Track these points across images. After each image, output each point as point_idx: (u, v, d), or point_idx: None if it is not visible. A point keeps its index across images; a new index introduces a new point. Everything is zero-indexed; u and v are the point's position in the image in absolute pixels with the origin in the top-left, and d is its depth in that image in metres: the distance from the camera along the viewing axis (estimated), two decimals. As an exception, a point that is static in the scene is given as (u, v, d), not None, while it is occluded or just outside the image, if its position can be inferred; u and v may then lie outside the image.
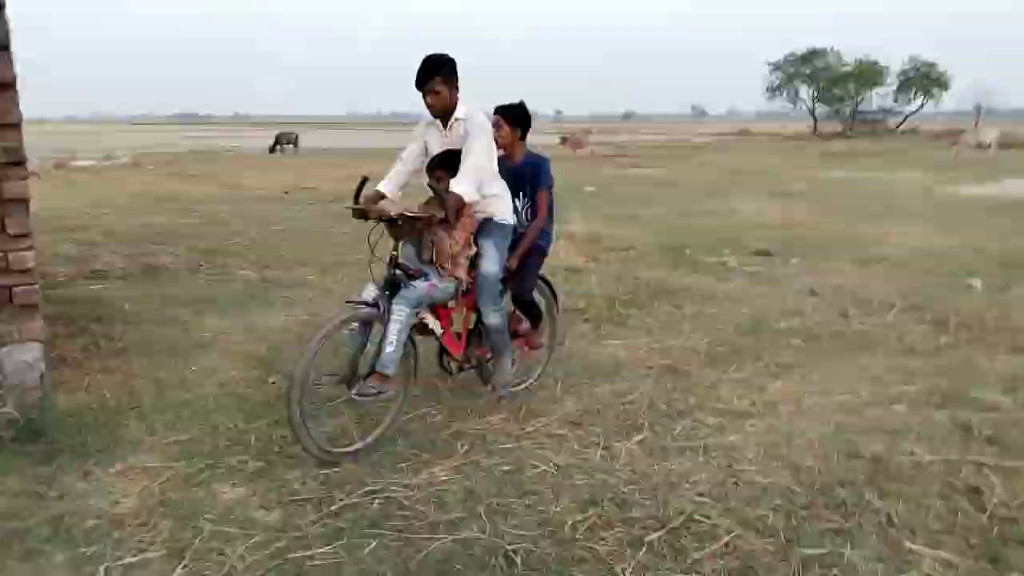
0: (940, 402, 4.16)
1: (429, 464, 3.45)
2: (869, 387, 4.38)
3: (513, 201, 4.07)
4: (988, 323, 5.62)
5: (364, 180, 3.67)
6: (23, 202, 3.91)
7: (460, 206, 3.55)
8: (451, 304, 3.90)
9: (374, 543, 2.81)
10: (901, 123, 52.12)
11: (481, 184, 3.73)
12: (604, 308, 6.13)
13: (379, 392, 3.43)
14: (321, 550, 2.77)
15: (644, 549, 2.78)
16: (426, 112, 3.83)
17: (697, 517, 2.99)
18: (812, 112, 55.40)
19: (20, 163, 3.89)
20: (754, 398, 4.22)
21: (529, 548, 2.78)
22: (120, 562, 2.68)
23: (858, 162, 24.21)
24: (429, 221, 3.52)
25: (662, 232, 10.09)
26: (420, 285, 3.56)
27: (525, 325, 4.33)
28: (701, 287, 6.92)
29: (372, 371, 3.44)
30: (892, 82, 52.70)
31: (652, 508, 3.06)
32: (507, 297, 4.12)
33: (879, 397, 4.23)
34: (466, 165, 3.60)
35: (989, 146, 27.51)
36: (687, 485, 3.25)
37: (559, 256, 8.30)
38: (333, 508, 3.06)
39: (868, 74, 51.93)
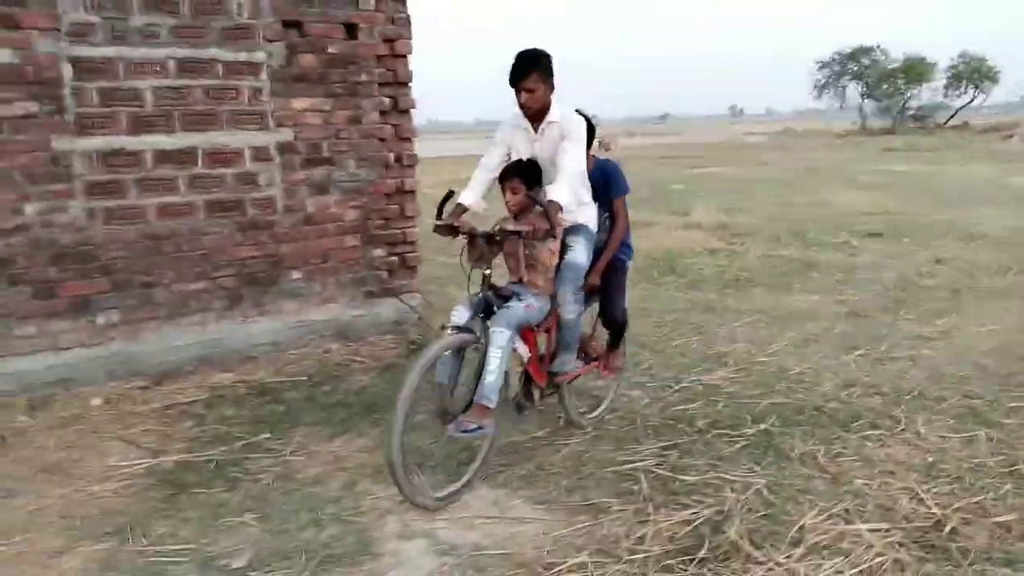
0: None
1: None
2: (1015, 320, 5.79)
3: None
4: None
5: (449, 193, 3.45)
6: (413, 193, 5.53)
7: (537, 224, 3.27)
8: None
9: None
10: (951, 118, 52.55)
11: (577, 192, 3.52)
12: (767, 277, 7.59)
13: (479, 427, 3.11)
14: None
15: (902, 407, 4.23)
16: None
17: (925, 392, 4.44)
18: (860, 109, 56.03)
19: (412, 165, 5.52)
20: (929, 329, 5.66)
21: (827, 406, 4.26)
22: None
23: (919, 156, 25.22)
24: (534, 234, 3.25)
25: (775, 220, 11.47)
26: (517, 306, 3.28)
27: (601, 344, 4.14)
28: (839, 261, 8.33)
29: (470, 404, 3.15)
30: (940, 77, 53.18)
31: (892, 387, 4.51)
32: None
33: (1024, 326, 5.67)
34: (565, 171, 3.32)
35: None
36: (908, 376, 4.70)
37: (696, 241, 9.81)
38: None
39: (916, 70, 52.45)
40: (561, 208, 3.22)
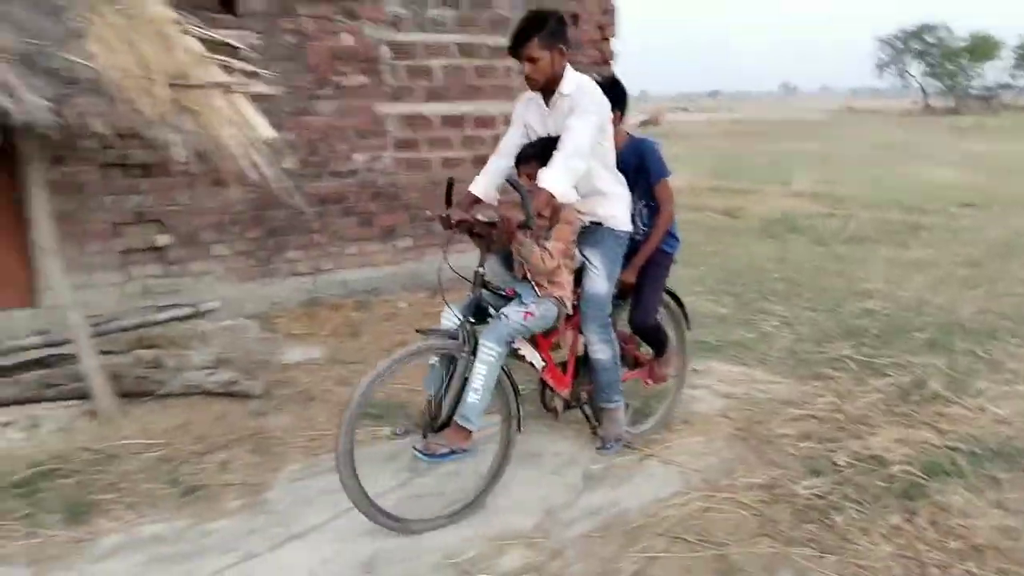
0: None
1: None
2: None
3: None
4: None
5: (451, 182, 3.06)
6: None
7: (549, 206, 2.83)
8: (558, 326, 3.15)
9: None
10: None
11: (591, 177, 3.03)
12: (883, 235, 8.72)
13: (451, 452, 2.77)
14: None
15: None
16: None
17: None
18: (922, 88, 55.64)
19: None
20: (1040, 276, 6.80)
21: (968, 324, 5.43)
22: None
23: (994, 135, 25.73)
24: (507, 228, 2.70)
25: (871, 191, 12.50)
26: (513, 314, 2.87)
27: (646, 350, 3.69)
28: (942, 224, 9.42)
29: (446, 423, 2.81)
30: (1008, 57, 52.58)
31: (1015, 314, 5.67)
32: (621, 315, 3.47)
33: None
34: (562, 151, 2.80)
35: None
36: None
37: (803, 206, 10.91)
38: None
39: (983, 49, 51.93)
40: (551, 196, 2.74)
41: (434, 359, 2.96)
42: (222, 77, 3.61)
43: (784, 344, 5.02)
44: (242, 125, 3.54)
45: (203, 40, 3.74)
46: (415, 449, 2.80)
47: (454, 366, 2.87)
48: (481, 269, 2.94)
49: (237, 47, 3.94)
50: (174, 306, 4.82)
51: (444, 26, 5.80)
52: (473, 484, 3.08)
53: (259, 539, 2.88)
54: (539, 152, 2.96)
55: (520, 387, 3.07)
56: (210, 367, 4.19)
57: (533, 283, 3.01)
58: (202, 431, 3.75)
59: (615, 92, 3.23)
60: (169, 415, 3.91)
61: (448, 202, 3.06)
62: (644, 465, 3.43)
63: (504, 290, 3.04)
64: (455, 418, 2.79)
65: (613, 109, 3.12)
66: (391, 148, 5.72)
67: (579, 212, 3.11)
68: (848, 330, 5.28)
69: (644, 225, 3.43)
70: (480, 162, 6.14)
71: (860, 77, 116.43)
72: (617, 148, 3.22)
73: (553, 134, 2.99)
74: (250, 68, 3.83)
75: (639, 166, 3.34)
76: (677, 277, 6.71)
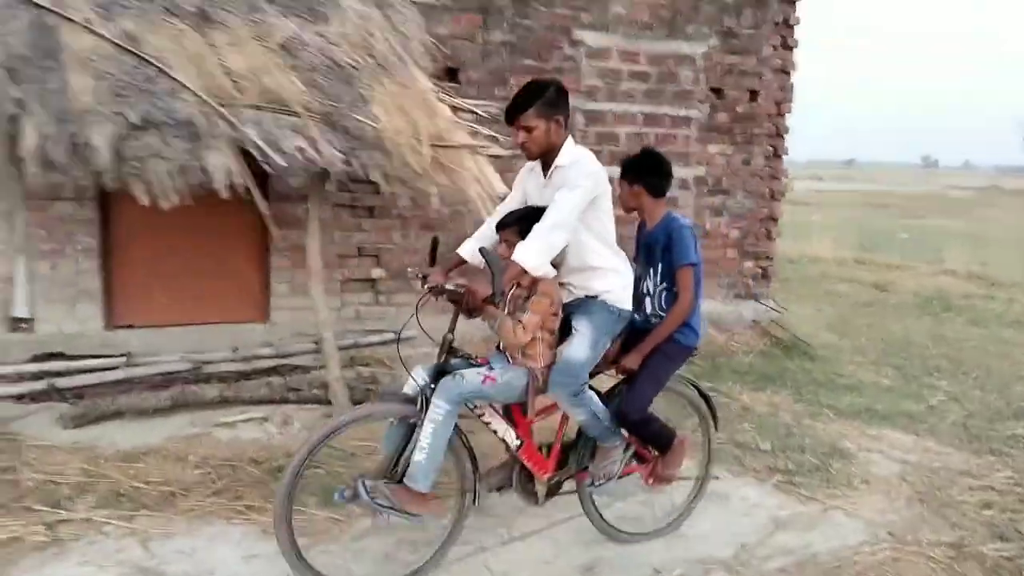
0: None
1: None
2: None
3: (646, 281, 3.21)
4: None
5: (435, 241, 3.02)
6: (776, 220, 7.08)
7: (522, 280, 2.81)
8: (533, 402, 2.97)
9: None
10: None
11: (582, 251, 2.96)
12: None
13: (396, 509, 2.70)
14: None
15: None
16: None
17: None
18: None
19: (779, 199, 7.07)
20: None
21: None
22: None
23: None
24: (472, 300, 2.68)
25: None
26: (470, 375, 2.78)
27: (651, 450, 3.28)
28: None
29: (398, 481, 2.75)
30: None
31: None
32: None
33: None
34: (542, 224, 2.77)
35: None
36: None
37: (956, 285, 10.68)
38: None
39: None
40: (524, 271, 2.72)
41: (393, 420, 2.90)
42: (469, 140, 4.22)
43: (954, 418, 5.12)
44: (484, 182, 4.12)
45: (452, 107, 4.39)
46: (364, 487, 2.70)
47: (412, 431, 2.79)
48: (450, 335, 2.88)
49: (480, 113, 4.56)
50: (381, 331, 5.49)
51: (634, 98, 6.32)
52: (413, 558, 3.07)
53: (488, 536, 3.33)
54: (519, 220, 2.93)
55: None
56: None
57: (508, 354, 2.97)
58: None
59: (647, 165, 3.21)
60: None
61: (432, 261, 3.06)
62: (829, 515, 3.69)
63: (476, 358, 2.96)
64: (404, 479, 2.74)
65: (641, 183, 3.17)
66: (577, 205, 6.24)
67: (572, 286, 3.05)
68: (1019, 411, 5.32)
69: (661, 310, 3.18)
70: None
71: (1006, 154, 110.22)
72: (650, 223, 3.21)
73: (548, 204, 2.89)
74: (488, 132, 4.43)
75: (666, 246, 3.13)
76: (828, 343, 7.02)
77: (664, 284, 3.16)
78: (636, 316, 3.18)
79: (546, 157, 2.97)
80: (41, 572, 2.96)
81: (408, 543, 3.23)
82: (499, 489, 3.17)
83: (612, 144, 6.31)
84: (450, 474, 3.01)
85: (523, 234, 2.82)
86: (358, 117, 3.89)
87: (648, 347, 3.09)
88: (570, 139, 2.98)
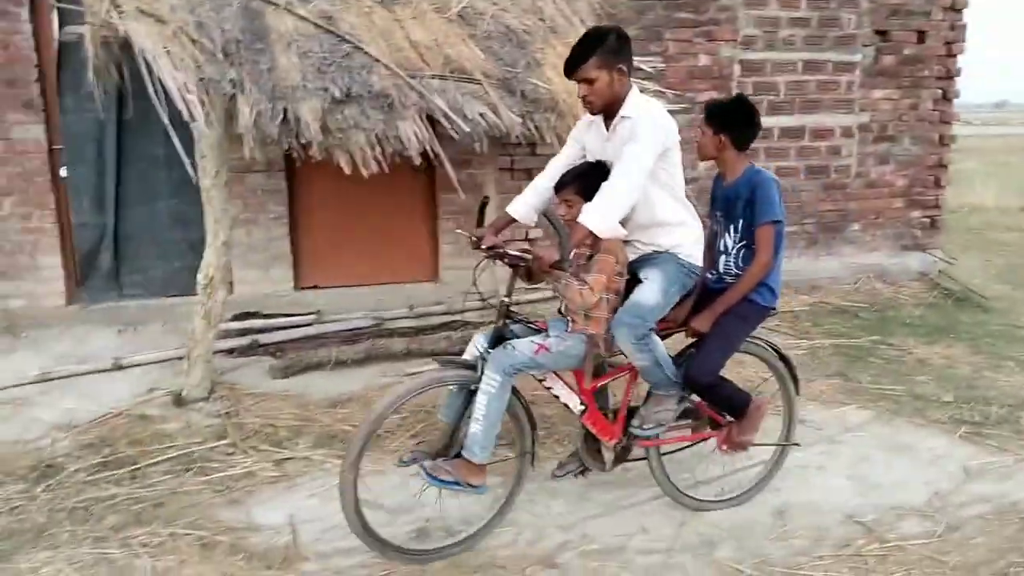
0: None
1: None
2: None
3: (723, 238, 2.99)
4: None
5: (484, 201, 2.97)
6: (946, 167, 6.73)
7: (587, 242, 2.65)
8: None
9: None
10: None
11: (651, 206, 2.79)
12: None
13: (455, 483, 2.65)
14: None
15: None
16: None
17: None
18: None
19: (949, 144, 6.70)
20: None
21: None
22: None
23: None
24: (540, 268, 2.57)
25: None
26: (522, 346, 2.69)
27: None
28: None
29: (458, 455, 2.71)
30: None
31: None
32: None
33: None
34: (610, 182, 2.61)
35: None
36: None
37: None
38: None
39: None
40: (589, 233, 2.54)
41: (452, 387, 2.82)
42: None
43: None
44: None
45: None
46: (423, 468, 2.71)
47: (472, 397, 2.71)
48: (506, 299, 2.75)
49: (646, 69, 4.61)
50: (537, 287, 5.67)
51: (793, 45, 6.15)
52: (480, 514, 3.00)
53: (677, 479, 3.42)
54: (578, 177, 2.78)
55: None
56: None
57: (569, 319, 2.83)
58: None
59: (738, 114, 2.92)
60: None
61: (480, 222, 2.96)
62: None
63: (535, 322, 2.89)
64: (463, 451, 2.68)
65: (727, 133, 2.89)
66: (734, 158, 6.17)
67: (639, 242, 2.88)
68: None
69: (738, 269, 2.97)
70: (815, 171, 6.46)
71: None
72: (730, 177, 2.96)
73: (611, 159, 2.74)
74: (654, 88, 4.47)
75: (749, 200, 2.88)
76: (1001, 295, 6.62)
77: (744, 241, 2.93)
78: (709, 275, 3.04)
79: (609, 109, 2.75)
80: (279, 501, 3.34)
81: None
82: (582, 473, 3.15)
83: (771, 94, 6.18)
84: (510, 437, 2.97)
85: (584, 192, 2.69)
86: (533, 80, 4.03)
87: (721, 307, 2.88)
88: (635, 88, 2.78)
